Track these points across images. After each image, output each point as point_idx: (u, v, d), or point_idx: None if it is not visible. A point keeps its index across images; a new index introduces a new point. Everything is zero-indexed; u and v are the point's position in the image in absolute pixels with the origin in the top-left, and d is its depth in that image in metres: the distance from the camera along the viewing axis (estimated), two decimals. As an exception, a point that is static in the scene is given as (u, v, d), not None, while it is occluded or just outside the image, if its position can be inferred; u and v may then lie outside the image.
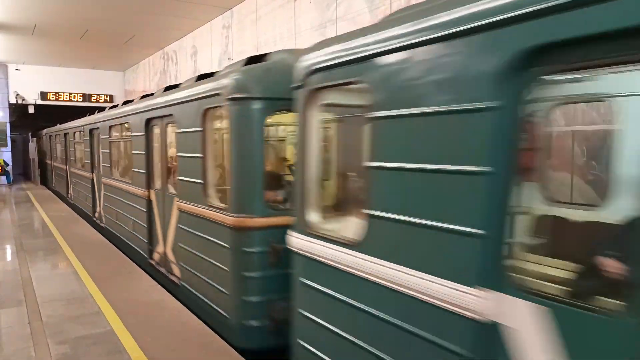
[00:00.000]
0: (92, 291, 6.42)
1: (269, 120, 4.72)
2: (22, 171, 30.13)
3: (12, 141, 22.29)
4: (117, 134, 9.74)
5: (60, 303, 5.99)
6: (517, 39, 2.03)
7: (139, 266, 7.72)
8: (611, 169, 3.41)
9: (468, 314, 2.26)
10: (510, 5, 2.07)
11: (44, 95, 20.82)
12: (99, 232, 10.59)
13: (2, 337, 5.06)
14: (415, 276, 2.55)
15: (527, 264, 2.67)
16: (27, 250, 8.97)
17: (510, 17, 2.05)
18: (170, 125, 6.52)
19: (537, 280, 2.76)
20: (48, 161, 20.48)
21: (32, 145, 24.74)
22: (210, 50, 13.23)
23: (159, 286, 6.66)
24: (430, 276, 2.46)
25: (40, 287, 6.67)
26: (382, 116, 2.80)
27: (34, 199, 16.94)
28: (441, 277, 2.40)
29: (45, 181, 22.55)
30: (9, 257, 8.69)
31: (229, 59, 11.90)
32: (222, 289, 5.07)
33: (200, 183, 5.39)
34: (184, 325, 5.27)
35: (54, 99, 20.99)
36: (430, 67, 2.48)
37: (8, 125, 20.50)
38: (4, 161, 21.40)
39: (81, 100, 21.37)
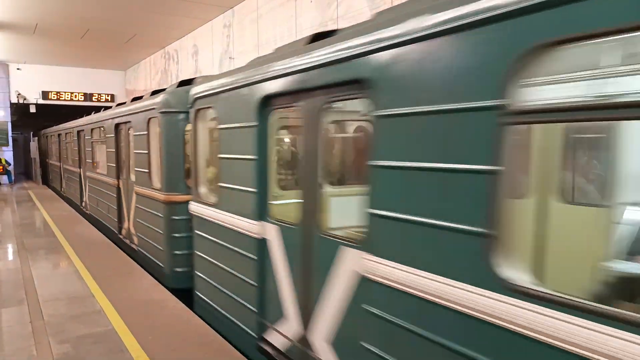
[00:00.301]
0: (93, 290, 6.43)
1: (187, 128, 6.51)
2: (23, 170, 30.19)
3: (14, 140, 22.31)
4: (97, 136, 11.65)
5: (61, 302, 6.00)
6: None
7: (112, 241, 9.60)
8: None
9: (252, 234, 4.32)
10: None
11: (45, 95, 20.83)
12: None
13: (3, 335, 5.07)
14: (233, 217, 4.64)
15: (278, 207, 4.30)
16: (29, 249, 8.98)
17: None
18: (130, 129, 8.48)
19: (277, 214, 4.25)
20: (55, 162, 20.01)
21: (34, 145, 24.77)
22: (211, 49, 13.23)
23: (160, 285, 6.67)
24: (241, 217, 4.49)
25: (41, 286, 6.68)
26: (223, 128, 4.86)
27: (35, 198, 16.96)
28: (244, 217, 4.43)
29: (46, 180, 22.60)
30: (10, 256, 8.70)
31: (230, 57, 11.90)
32: (159, 246, 7.14)
33: (146, 172, 7.43)
34: (185, 324, 5.27)
35: (55, 98, 21.00)
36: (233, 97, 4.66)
37: (9, 124, 20.52)
38: (5, 160, 21.43)
39: (82, 99, 21.38)
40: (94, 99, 21.50)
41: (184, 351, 4.61)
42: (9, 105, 20.39)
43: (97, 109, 13.58)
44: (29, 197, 17.49)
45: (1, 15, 12.79)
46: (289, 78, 3.71)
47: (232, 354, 4.58)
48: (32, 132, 26.88)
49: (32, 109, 20.82)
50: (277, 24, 10.01)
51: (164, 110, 6.71)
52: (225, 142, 4.80)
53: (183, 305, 5.88)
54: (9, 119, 20.44)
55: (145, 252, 7.90)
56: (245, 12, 11.31)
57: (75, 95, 21.32)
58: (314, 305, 3.57)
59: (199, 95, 5.45)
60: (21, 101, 20.48)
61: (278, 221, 4.03)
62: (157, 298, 6.12)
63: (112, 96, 21.79)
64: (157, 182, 7.15)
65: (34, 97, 20.68)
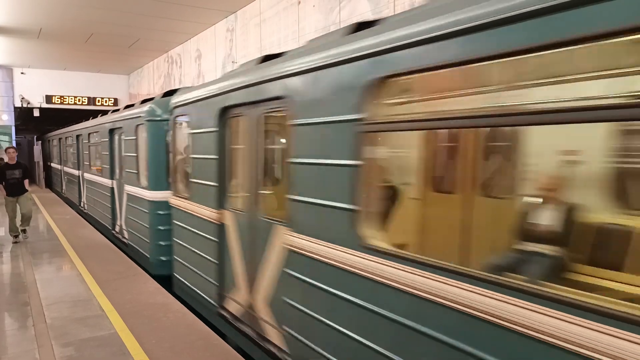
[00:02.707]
0: (96, 293, 6.43)
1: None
2: (27, 174, 30.17)
3: (17, 144, 22.38)
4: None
5: (64, 305, 6.01)
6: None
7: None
8: None
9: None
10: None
11: (49, 99, 20.89)
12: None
13: (6, 338, 5.07)
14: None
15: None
16: (32, 252, 9.00)
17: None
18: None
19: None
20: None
21: (37, 149, 24.83)
22: (214, 54, 13.27)
23: (163, 289, 6.67)
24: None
25: (44, 290, 6.69)
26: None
27: (38, 202, 16.99)
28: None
29: (50, 184, 22.65)
30: (13, 260, 8.71)
31: (232, 62, 11.93)
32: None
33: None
34: (188, 328, 5.27)
35: (59, 102, 21.05)
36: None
37: (13, 128, 20.58)
38: None
39: (86, 103, 21.43)
40: (97, 103, 21.54)
41: (187, 355, 4.60)
42: (13, 109, 20.45)
43: (100, 113, 13.63)
44: (32, 201, 17.52)
45: (5, 19, 12.86)
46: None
47: (235, 357, 4.57)
48: (35, 136, 26.95)
49: (36, 113, 20.88)
50: (280, 28, 10.03)
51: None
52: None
53: (186, 309, 5.88)
54: (13, 123, 20.50)
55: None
56: (248, 17, 11.34)
57: (79, 100, 21.37)
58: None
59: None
60: (25, 105, 20.54)
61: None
62: (160, 301, 6.12)
63: (116, 100, 21.84)
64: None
65: (37, 101, 20.74)
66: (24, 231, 10.28)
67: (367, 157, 3.04)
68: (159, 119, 7.55)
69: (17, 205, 9.98)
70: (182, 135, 6.43)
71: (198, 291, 5.76)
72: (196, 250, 5.71)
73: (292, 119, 3.75)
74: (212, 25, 13.14)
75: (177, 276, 6.50)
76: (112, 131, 10.09)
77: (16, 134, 21.30)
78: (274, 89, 4.03)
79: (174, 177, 6.81)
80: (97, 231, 11.20)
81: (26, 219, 10.19)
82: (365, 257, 3.02)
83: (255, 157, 4.55)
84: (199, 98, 5.54)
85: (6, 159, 10.12)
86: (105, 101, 21.73)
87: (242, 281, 4.74)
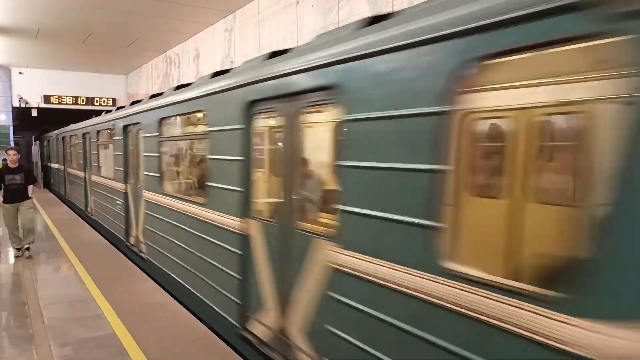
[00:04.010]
0: (94, 293, 6.41)
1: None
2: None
3: (16, 144, 22.33)
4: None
5: (62, 305, 5.99)
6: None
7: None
8: None
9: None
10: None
11: (47, 99, 20.86)
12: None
13: (4, 339, 5.06)
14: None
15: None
16: (30, 252, 8.97)
17: None
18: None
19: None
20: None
21: (35, 149, 24.80)
22: (212, 54, 13.26)
23: (161, 289, 6.65)
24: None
25: (42, 290, 6.67)
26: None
27: (36, 202, 16.96)
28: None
29: (48, 184, 22.60)
30: (11, 260, 8.69)
31: (231, 62, 11.92)
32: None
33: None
34: (186, 327, 5.25)
35: (57, 102, 21.03)
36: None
37: (11, 128, 20.53)
38: None
39: (84, 103, 21.41)
40: (95, 103, 21.53)
41: (185, 355, 4.59)
42: (10, 109, 20.41)
43: (99, 113, 13.59)
44: (33, 210, 17.45)
45: (3, 19, 12.83)
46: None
47: (234, 357, 4.56)
48: (33, 136, 26.90)
49: (34, 113, 20.85)
50: (279, 28, 10.03)
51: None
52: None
53: (184, 308, 5.86)
54: (10, 122, 20.46)
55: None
56: (247, 17, 11.33)
57: (77, 99, 21.36)
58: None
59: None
60: (23, 105, 20.51)
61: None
62: (158, 301, 6.10)
63: (114, 100, 21.82)
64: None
65: (35, 101, 20.71)
66: (27, 249, 8.73)
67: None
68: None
69: (18, 214, 8.69)
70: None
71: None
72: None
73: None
74: (211, 25, 13.13)
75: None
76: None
77: (14, 134, 21.25)
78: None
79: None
80: (95, 231, 11.18)
81: (28, 232, 8.69)
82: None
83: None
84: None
85: (8, 160, 8.77)
86: (104, 101, 21.70)
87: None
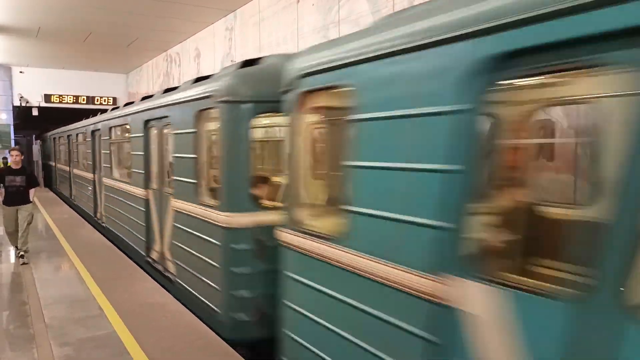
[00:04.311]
0: (95, 293, 6.42)
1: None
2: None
3: (16, 143, 22.34)
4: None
5: (63, 305, 6.00)
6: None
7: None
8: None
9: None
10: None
11: (47, 98, 20.87)
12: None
13: (4, 338, 5.07)
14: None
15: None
16: (31, 252, 8.98)
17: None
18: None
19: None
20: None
21: (36, 148, 24.81)
22: (213, 53, 13.25)
23: (162, 288, 6.66)
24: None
25: (43, 289, 6.68)
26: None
27: (37, 201, 16.97)
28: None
29: (49, 184, 22.63)
30: (12, 259, 8.70)
31: (231, 61, 11.91)
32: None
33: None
34: (186, 327, 5.26)
35: (57, 101, 21.05)
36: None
37: (12, 127, 20.55)
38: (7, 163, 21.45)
39: (85, 102, 21.42)
40: (96, 102, 21.54)
41: (186, 354, 4.60)
42: (11, 108, 20.43)
43: (97, 113, 13.54)
44: (31, 216, 17.45)
45: (4, 18, 12.83)
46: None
47: (234, 357, 4.57)
48: (34, 135, 26.90)
49: (35, 112, 20.86)
50: (279, 27, 10.02)
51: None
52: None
53: (185, 307, 5.87)
54: (11, 122, 20.47)
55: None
56: (248, 16, 11.33)
57: (78, 99, 21.37)
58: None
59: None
60: (24, 104, 20.52)
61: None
62: (159, 301, 6.11)
63: (115, 99, 21.83)
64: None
65: (36, 100, 20.72)
66: (22, 256, 8.29)
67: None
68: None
69: (17, 216, 8.42)
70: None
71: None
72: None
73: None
74: (211, 24, 13.12)
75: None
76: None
77: (15, 133, 21.28)
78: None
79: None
80: (96, 231, 11.19)
81: (21, 236, 8.31)
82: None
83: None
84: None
85: (10, 160, 8.46)
86: (105, 100, 21.72)
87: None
